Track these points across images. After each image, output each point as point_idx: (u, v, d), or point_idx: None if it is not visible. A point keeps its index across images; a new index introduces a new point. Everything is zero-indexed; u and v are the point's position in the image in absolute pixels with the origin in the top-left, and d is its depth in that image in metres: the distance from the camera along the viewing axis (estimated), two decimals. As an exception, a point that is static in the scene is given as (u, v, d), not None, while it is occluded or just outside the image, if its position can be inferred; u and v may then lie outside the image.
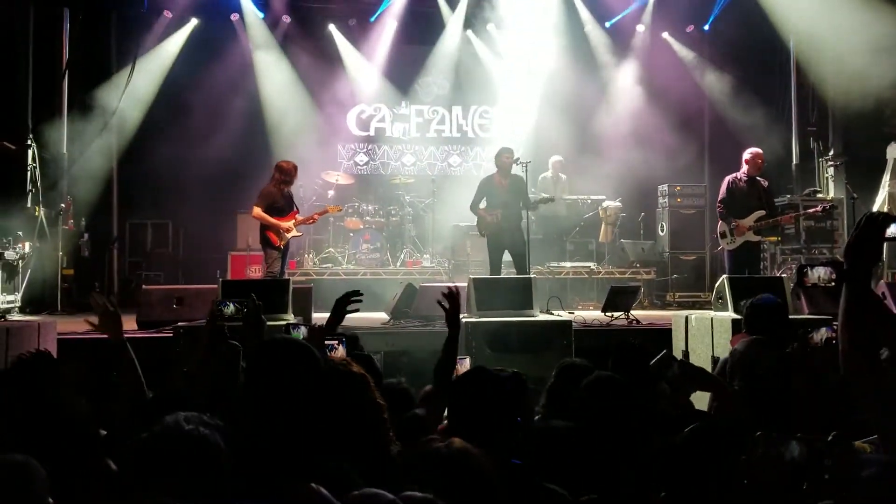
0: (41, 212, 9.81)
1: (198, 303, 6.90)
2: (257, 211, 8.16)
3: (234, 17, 12.21)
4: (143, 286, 7.78)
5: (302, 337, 4.43)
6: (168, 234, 11.85)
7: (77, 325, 7.47)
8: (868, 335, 1.87)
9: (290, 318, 5.86)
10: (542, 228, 11.23)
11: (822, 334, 3.11)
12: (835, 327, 2.61)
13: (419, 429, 3.10)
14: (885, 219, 2.00)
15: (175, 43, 11.85)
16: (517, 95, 12.98)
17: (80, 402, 2.37)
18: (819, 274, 2.27)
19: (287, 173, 8.30)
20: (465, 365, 4.04)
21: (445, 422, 3.26)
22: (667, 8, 12.82)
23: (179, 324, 5.97)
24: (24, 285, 9.24)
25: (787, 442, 1.70)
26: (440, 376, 3.29)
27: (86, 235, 10.79)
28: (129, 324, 7.15)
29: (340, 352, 3.55)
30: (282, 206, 8.29)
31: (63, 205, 10.19)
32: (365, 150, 13.13)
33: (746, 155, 8.37)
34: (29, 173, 9.77)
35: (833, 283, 2.18)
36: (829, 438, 1.65)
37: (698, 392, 3.24)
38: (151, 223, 11.80)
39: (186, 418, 2.00)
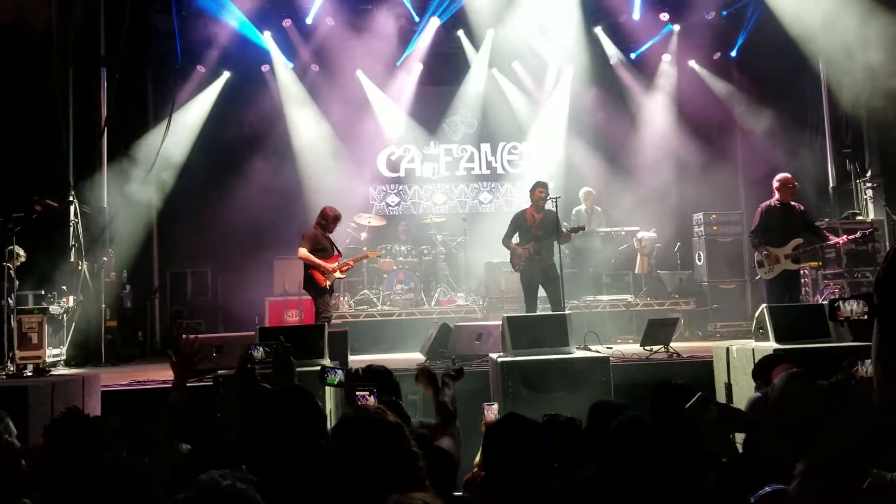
0: (84, 266, 10.04)
1: (237, 350, 6.96)
2: (303, 252, 8.20)
3: (265, 67, 12.50)
4: (184, 335, 7.88)
5: (338, 381, 4.43)
6: (207, 282, 12.03)
7: (120, 377, 7.61)
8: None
9: (327, 362, 5.87)
10: (577, 262, 11.19)
11: (867, 366, 3.01)
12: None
13: (446, 464, 3.08)
14: None
15: (209, 96, 12.19)
16: (545, 130, 13.05)
17: (117, 458, 2.41)
18: (851, 307, 2.23)
19: (327, 219, 8.41)
20: (492, 411, 4.00)
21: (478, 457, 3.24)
22: (692, 36, 12.82)
23: (219, 372, 6.02)
24: (68, 338, 9.43)
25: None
26: None
27: (127, 287, 11.01)
28: (171, 373, 7.25)
29: (371, 401, 3.54)
30: (326, 247, 8.37)
31: (105, 258, 10.42)
32: (396, 190, 13.26)
33: (776, 182, 8.17)
34: (71, 229, 10.02)
35: (866, 317, 2.13)
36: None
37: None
38: (191, 272, 12.00)
39: (222, 475, 2.01)
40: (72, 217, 10.08)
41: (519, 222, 8.76)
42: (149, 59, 11.97)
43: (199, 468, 2.50)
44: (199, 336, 8.11)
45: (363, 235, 11.42)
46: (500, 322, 6.56)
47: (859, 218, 10.97)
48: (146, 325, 11.64)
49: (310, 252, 8.20)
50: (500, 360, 5.91)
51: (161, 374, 7.53)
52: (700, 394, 2.77)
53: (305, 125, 12.56)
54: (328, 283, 8.28)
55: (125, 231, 11.16)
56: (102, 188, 11.02)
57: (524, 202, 8.93)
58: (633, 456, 2.50)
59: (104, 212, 10.96)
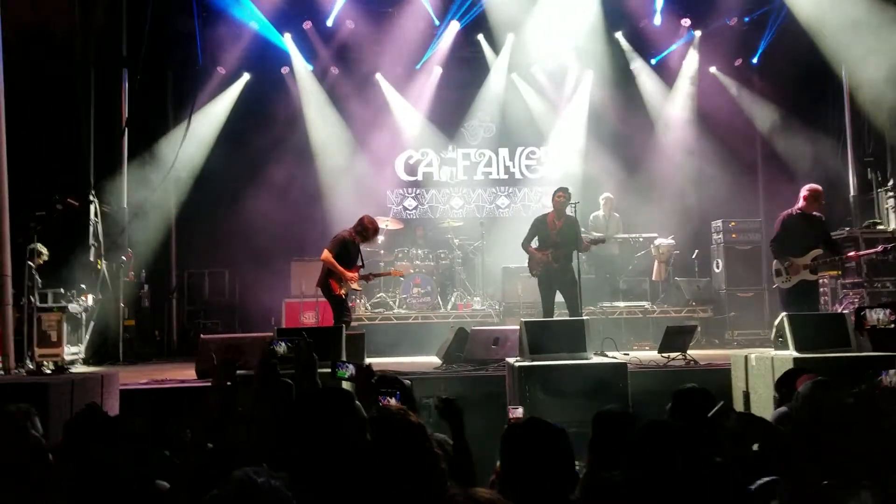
0: (103, 265, 10.11)
1: (254, 351, 6.98)
2: (327, 255, 8.07)
3: (285, 69, 12.56)
4: (202, 335, 7.91)
5: (349, 375, 4.44)
6: (225, 283, 12.07)
7: (139, 376, 7.65)
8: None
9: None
10: (595, 268, 11.15)
11: (892, 376, 2.97)
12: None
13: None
14: None
15: (228, 97, 12.25)
16: (564, 135, 13.03)
17: (138, 459, 2.42)
18: (878, 316, 2.21)
19: (365, 230, 8.25)
20: (518, 412, 3.98)
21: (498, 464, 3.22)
22: (713, 42, 12.76)
23: (237, 372, 6.03)
24: (87, 337, 9.49)
25: None
26: None
27: (146, 287, 11.07)
28: (189, 373, 7.29)
29: (394, 402, 3.54)
30: (352, 256, 8.23)
31: (124, 258, 10.49)
32: (413, 194, 13.27)
33: (804, 191, 8.00)
34: (91, 228, 10.09)
35: (893, 325, 2.12)
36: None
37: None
38: (209, 272, 12.04)
39: (256, 472, 2.01)
40: (92, 217, 10.14)
41: (539, 227, 8.74)
42: (170, 61, 12.03)
43: (220, 466, 2.51)
44: (217, 336, 8.15)
45: (380, 239, 11.41)
46: (516, 327, 6.56)
47: (880, 227, 10.85)
48: (163, 325, 11.72)
49: (334, 256, 8.10)
50: (517, 364, 5.90)
51: (179, 374, 7.58)
52: (721, 403, 2.76)
53: (324, 127, 12.60)
54: (343, 292, 8.16)
55: (144, 231, 11.23)
56: (122, 188, 11.09)
57: (542, 207, 8.94)
58: (661, 460, 2.48)
59: (124, 212, 11.03)
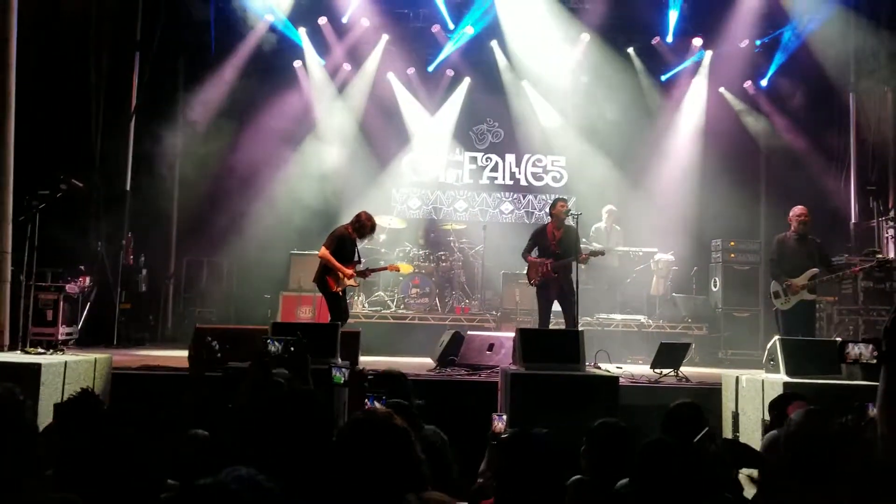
0: (102, 247, 10.13)
1: (248, 344, 7.00)
2: (324, 251, 8.10)
3: (297, 63, 12.58)
4: (197, 325, 7.92)
5: (343, 379, 4.47)
6: (223, 272, 12.07)
7: (131, 361, 7.68)
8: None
9: (338, 361, 5.91)
10: (593, 279, 11.18)
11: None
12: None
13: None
14: None
15: (239, 89, 12.21)
16: (571, 145, 13.05)
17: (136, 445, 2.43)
18: (860, 350, 2.24)
19: (363, 226, 8.25)
20: (502, 421, 4.01)
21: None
22: (723, 63, 12.79)
23: (230, 364, 6.06)
24: (82, 318, 9.52)
25: None
26: None
27: (144, 271, 11.09)
28: (181, 360, 7.31)
29: (378, 406, 3.56)
30: (348, 251, 8.26)
31: (123, 241, 10.51)
32: (418, 194, 13.29)
33: (790, 214, 8.30)
34: (93, 210, 10.12)
35: (874, 361, 2.15)
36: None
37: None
38: (207, 261, 12.05)
39: (245, 470, 2.02)
40: (95, 198, 10.18)
41: (539, 238, 8.78)
42: (182, 48, 12.05)
43: (215, 456, 2.54)
44: (212, 326, 8.17)
45: (382, 237, 11.46)
46: (512, 333, 6.59)
47: (879, 256, 10.87)
48: (158, 311, 11.73)
49: (332, 253, 8.11)
50: (510, 371, 5.93)
51: (172, 361, 7.60)
52: (706, 428, 2.80)
53: (332, 123, 12.62)
54: (339, 289, 8.17)
55: (146, 216, 11.26)
56: (126, 172, 11.12)
57: (545, 216, 8.97)
58: (666, 476, 2.52)
59: (127, 195, 11.06)
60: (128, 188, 11.13)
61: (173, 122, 11.77)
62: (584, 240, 9.76)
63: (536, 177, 13.47)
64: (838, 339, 6.33)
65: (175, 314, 12.00)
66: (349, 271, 8.16)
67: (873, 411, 2.56)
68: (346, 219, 8.68)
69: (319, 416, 2.66)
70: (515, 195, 13.44)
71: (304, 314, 10.54)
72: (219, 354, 3.82)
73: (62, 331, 8.85)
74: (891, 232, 11.35)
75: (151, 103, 11.40)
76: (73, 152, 10.13)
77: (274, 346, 4.28)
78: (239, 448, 2.72)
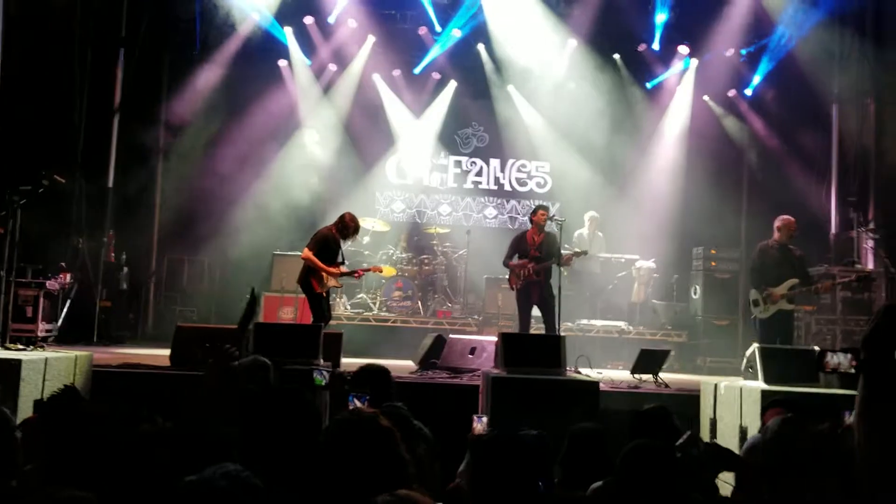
0: (84, 244, 10.05)
1: (228, 343, 6.97)
2: (307, 253, 8.06)
3: (282, 62, 12.54)
4: (178, 323, 7.87)
5: (324, 382, 4.46)
6: (204, 271, 12.02)
7: (111, 359, 7.63)
8: (885, 430, 1.87)
9: (320, 363, 5.91)
10: (575, 285, 11.22)
11: (852, 417, 3.05)
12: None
13: None
14: None
15: (223, 87, 12.17)
16: (555, 151, 13.10)
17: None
18: (839, 360, 2.27)
19: (346, 227, 8.22)
20: (482, 423, 4.02)
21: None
22: (709, 72, 12.90)
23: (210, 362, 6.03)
24: (63, 315, 9.43)
25: None
26: None
27: (125, 269, 11.01)
28: (162, 359, 7.27)
29: (359, 404, 3.56)
30: (333, 253, 8.23)
31: (105, 238, 10.44)
32: (402, 197, 13.28)
33: (778, 222, 8.29)
34: (75, 206, 10.04)
35: (853, 371, 2.18)
36: None
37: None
38: (189, 259, 11.99)
39: (233, 467, 2.02)
40: (77, 195, 10.11)
41: (519, 244, 8.81)
42: (167, 45, 11.99)
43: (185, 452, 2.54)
44: (194, 325, 8.13)
45: (366, 239, 11.45)
46: (494, 338, 6.61)
47: (858, 267, 11.02)
48: (139, 309, 11.66)
49: (315, 254, 8.10)
50: (492, 375, 5.95)
51: (152, 360, 7.55)
52: (689, 432, 2.83)
53: (317, 123, 12.59)
54: (322, 290, 8.15)
55: (128, 213, 11.19)
56: (109, 169, 11.06)
57: (529, 221, 8.99)
58: (648, 479, 2.55)
59: (109, 192, 10.98)
60: (110, 185, 11.07)
61: (157, 120, 11.71)
62: (566, 245, 9.79)
63: (521, 182, 13.52)
64: (816, 347, 6.41)
65: (156, 312, 11.93)
66: (332, 272, 8.15)
67: (849, 419, 2.60)
68: (330, 220, 8.66)
69: (306, 414, 2.66)
70: (499, 200, 13.47)
71: (287, 315, 10.49)
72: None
73: (42, 327, 8.75)
74: (870, 243, 11.49)
75: (135, 100, 11.33)
76: (56, 148, 10.05)
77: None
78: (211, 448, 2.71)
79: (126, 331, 10.92)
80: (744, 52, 12.73)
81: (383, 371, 4.18)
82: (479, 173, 13.50)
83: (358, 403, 3.55)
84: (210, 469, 1.92)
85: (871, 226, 11.53)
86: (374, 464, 2.37)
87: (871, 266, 11.25)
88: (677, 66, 12.95)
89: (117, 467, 2.29)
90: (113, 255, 10.73)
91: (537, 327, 9.20)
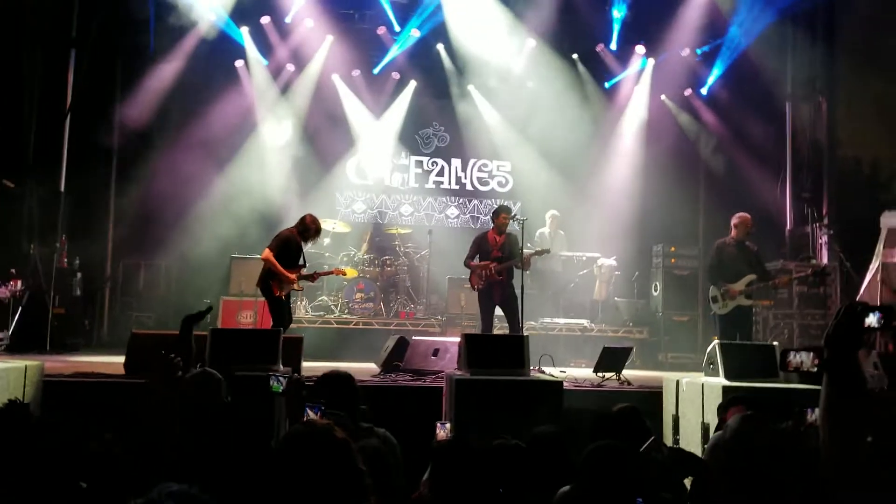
0: (35, 250, 9.80)
1: (172, 348, 6.82)
2: (268, 254, 7.91)
3: (239, 63, 12.36)
4: (133, 330, 7.69)
5: (282, 389, 4.38)
6: (161, 276, 11.79)
7: (64, 367, 7.42)
8: (848, 429, 1.86)
9: (280, 368, 5.81)
10: (538, 283, 11.24)
11: (816, 414, 3.06)
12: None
13: None
14: (863, 309, 2.01)
15: (178, 88, 11.94)
16: (516, 151, 13.12)
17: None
18: (802, 359, 2.27)
19: (307, 229, 8.12)
20: (445, 429, 3.97)
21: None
22: (665, 71, 13.04)
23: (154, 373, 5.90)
24: (13, 323, 9.18)
25: None
26: None
27: (79, 275, 10.75)
28: (117, 367, 7.10)
29: (313, 415, 3.48)
30: (293, 255, 8.10)
31: (58, 244, 10.18)
32: (363, 198, 13.19)
33: (734, 219, 8.44)
34: (26, 211, 9.78)
35: (815, 370, 2.18)
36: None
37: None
38: (145, 263, 11.75)
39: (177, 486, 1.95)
40: (27, 198, 9.85)
41: (481, 244, 8.78)
42: (121, 45, 11.74)
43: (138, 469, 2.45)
44: (150, 332, 7.96)
45: (327, 241, 11.33)
46: (457, 339, 6.57)
47: (813, 262, 11.23)
48: (94, 315, 11.40)
49: (276, 256, 7.95)
50: (455, 377, 5.90)
51: (107, 368, 7.37)
52: (653, 437, 2.81)
53: (275, 124, 12.44)
54: (282, 293, 8.02)
55: (81, 218, 10.92)
56: (61, 173, 10.80)
57: (491, 220, 8.96)
58: (612, 479, 2.52)
59: (61, 196, 10.72)
60: (62, 188, 10.80)
61: (111, 121, 11.46)
62: (528, 244, 9.79)
63: (482, 182, 13.51)
64: (775, 343, 6.49)
65: (111, 318, 11.67)
66: (293, 275, 8.02)
67: (813, 416, 2.60)
68: (289, 222, 8.55)
69: (254, 428, 2.59)
70: (461, 200, 13.45)
71: (246, 319, 10.34)
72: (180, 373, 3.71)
73: (-9, 336, 8.53)
74: (824, 238, 11.70)
75: (88, 101, 11.08)
76: (5, 151, 9.78)
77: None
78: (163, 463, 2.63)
79: (81, 338, 10.65)
80: (699, 51, 12.89)
81: (344, 377, 4.09)
82: (440, 173, 13.47)
83: (312, 414, 3.47)
84: (155, 490, 1.85)
85: (826, 221, 11.74)
86: (328, 478, 2.30)
87: (825, 261, 11.45)
88: (634, 65, 13.08)
89: (62, 489, 2.20)
90: (66, 260, 10.45)
91: (501, 327, 9.20)
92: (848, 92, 11.51)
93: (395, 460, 3.62)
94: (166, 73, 11.72)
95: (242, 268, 10.62)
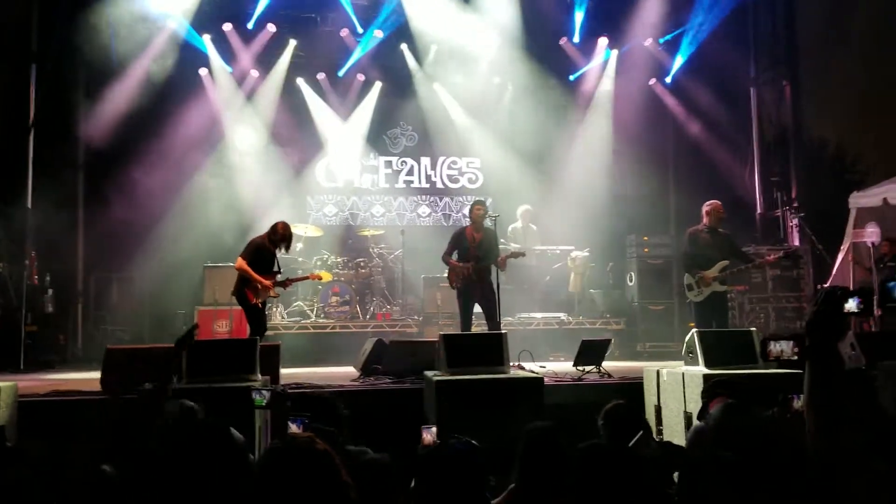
0: (4, 268, 9.63)
1: (162, 363, 6.74)
2: (241, 262, 7.87)
3: (203, 71, 12.22)
4: (108, 346, 7.57)
5: (265, 402, 4.34)
6: (134, 289, 11.62)
7: (39, 386, 7.30)
8: (832, 416, 1.87)
9: (258, 377, 5.75)
10: (513, 279, 11.23)
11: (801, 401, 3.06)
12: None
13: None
14: (843, 293, 2.01)
15: (143, 98, 11.75)
16: (485, 147, 13.12)
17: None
18: (781, 348, 2.28)
19: (278, 236, 8.06)
20: (431, 433, 3.95)
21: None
22: (629, 61, 13.12)
23: (146, 385, 5.82)
24: (-16, 344, 9.03)
25: None
26: None
27: (50, 291, 10.57)
28: (93, 383, 6.98)
29: (296, 429, 3.44)
30: (266, 262, 8.05)
31: (27, 261, 10.01)
32: (333, 201, 13.11)
33: (706, 207, 8.51)
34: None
35: (796, 358, 2.19)
36: None
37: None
38: (117, 277, 11.59)
39: None
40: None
41: (458, 240, 8.77)
42: (82, 58, 11.53)
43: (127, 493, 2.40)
44: (124, 346, 7.85)
45: (299, 246, 11.24)
46: (436, 339, 6.54)
47: (785, 245, 11.35)
48: (68, 331, 11.23)
49: (249, 264, 7.90)
50: (434, 378, 5.88)
51: (83, 385, 7.26)
52: (641, 432, 2.81)
53: (242, 131, 12.32)
54: (258, 301, 7.97)
55: (49, 233, 10.73)
56: (27, 188, 10.61)
57: (462, 217, 8.97)
58: (605, 482, 2.52)
59: (28, 212, 10.54)
60: (29, 205, 10.61)
61: (75, 135, 11.28)
62: (502, 240, 9.79)
63: (452, 179, 13.50)
64: (753, 329, 6.53)
65: (86, 333, 11.49)
66: (268, 282, 7.96)
67: (799, 403, 2.61)
68: (261, 229, 8.48)
69: (220, 448, 2.54)
70: (432, 198, 13.43)
71: (222, 329, 10.23)
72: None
73: (-38, 358, 8.36)
74: (795, 221, 11.84)
75: (52, 116, 10.89)
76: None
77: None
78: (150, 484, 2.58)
79: (55, 355, 10.49)
80: (662, 40, 12.97)
81: (327, 399, 4.05)
82: (410, 172, 13.43)
83: (294, 428, 3.43)
84: None
85: (795, 204, 11.88)
86: (312, 492, 2.26)
87: (797, 243, 11.59)
88: (598, 57, 13.13)
89: None
90: (36, 277, 10.29)
91: (478, 324, 9.19)
92: (811, 75, 11.66)
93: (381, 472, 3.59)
94: (130, 84, 11.54)
95: (216, 276, 10.50)
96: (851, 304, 2.03)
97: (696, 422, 4.05)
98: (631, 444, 2.79)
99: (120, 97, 11.42)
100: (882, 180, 11.43)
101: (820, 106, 11.45)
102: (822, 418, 1.90)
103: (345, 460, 2.44)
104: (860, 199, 11.09)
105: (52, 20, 10.71)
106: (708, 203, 8.53)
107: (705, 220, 8.45)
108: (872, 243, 10.44)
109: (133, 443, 3.52)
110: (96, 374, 6.97)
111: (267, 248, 8.05)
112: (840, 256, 10.81)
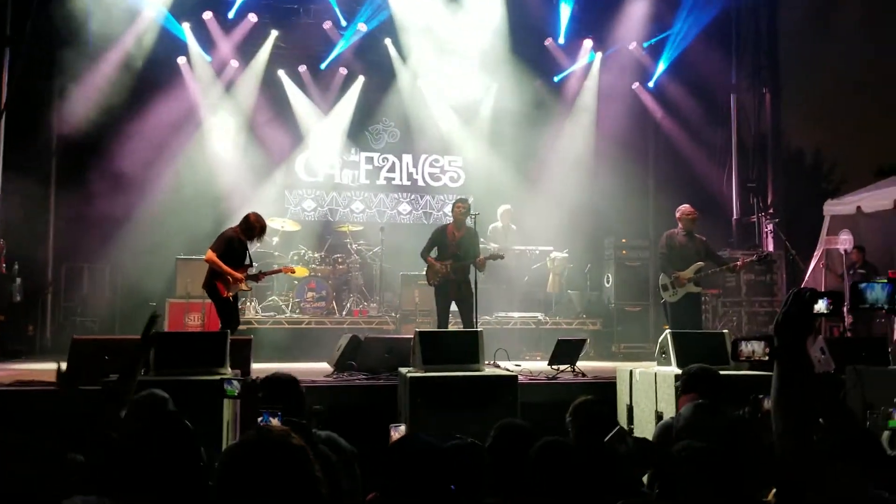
0: (-29, 256, 9.46)
1: (129, 355, 6.62)
2: (211, 255, 7.65)
3: (181, 59, 12.07)
4: (74, 336, 7.43)
5: (237, 393, 4.27)
6: (105, 279, 11.46)
7: (4, 376, 7.16)
8: (800, 417, 1.85)
9: (228, 371, 5.66)
10: (491, 278, 11.20)
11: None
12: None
13: None
14: (812, 295, 2.00)
15: (119, 85, 11.58)
16: (468, 145, 13.09)
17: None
18: (753, 348, 2.26)
19: (250, 227, 7.85)
20: (399, 432, 3.89)
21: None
22: (613, 64, 13.15)
23: (111, 377, 5.70)
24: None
25: None
26: None
27: (18, 280, 10.39)
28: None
29: (275, 423, 3.37)
30: (238, 254, 7.84)
31: (-5, 248, 9.84)
32: (312, 196, 13.00)
33: (677, 213, 8.69)
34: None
35: (767, 358, 2.17)
36: None
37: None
38: (88, 266, 11.41)
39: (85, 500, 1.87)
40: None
41: (439, 238, 8.72)
42: (58, 43, 11.33)
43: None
44: (91, 337, 7.72)
45: (275, 240, 11.13)
46: (411, 336, 6.48)
47: (760, 250, 11.42)
48: (37, 321, 11.04)
49: (219, 256, 7.72)
50: (408, 374, 5.83)
51: (48, 376, 7.11)
52: (618, 427, 2.78)
53: (220, 123, 12.18)
54: (230, 294, 7.80)
55: (19, 221, 10.55)
56: (-5, 174, 10.43)
57: (443, 216, 8.93)
58: (557, 483, 2.47)
59: (-3, 199, 10.37)
60: (-1, 191, 10.44)
61: (49, 121, 11.10)
62: (482, 240, 9.75)
63: (434, 177, 13.44)
64: (725, 331, 6.56)
65: (54, 324, 11.32)
66: (239, 275, 7.82)
67: (768, 404, 2.60)
68: (236, 222, 8.38)
69: (188, 437, 2.48)
70: (413, 196, 13.36)
71: (193, 322, 10.09)
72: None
73: (-74, 347, 8.19)
74: (770, 227, 11.92)
75: (24, 100, 10.68)
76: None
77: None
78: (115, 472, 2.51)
79: (23, 345, 10.32)
80: (646, 44, 13.02)
81: (288, 381, 3.97)
82: (391, 169, 13.36)
83: (272, 419, 3.36)
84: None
85: (771, 210, 11.96)
86: (283, 487, 2.20)
87: (771, 248, 11.67)
88: (583, 59, 13.14)
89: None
90: (4, 265, 10.10)
91: (455, 322, 9.15)
92: (791, 83, 11.75)
93: (348, 468, 3.53)
94: (106, 70, 11.36)
95: (188, 269, 10.32)
96: (821, 305, 2.02)
97: (662, 421, 4.03)
98: (606, 440, 2.75)
99: (95, 84, 11.23)
100: (857, 189, 11.54)
101: (799, 114, 11.51)
102: (790, 419, 1.87)
103: (316, 455, 2.38)
104: (834, 207, 11.17)
105: (26, 3, 10.51)
106: (679, 209, 8.70)
107: (681, 224, 8.56)
108: (845, 250, 10.56)
109: (96, 434, 3.43)
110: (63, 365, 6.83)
111: (239, 241, 7.88)
112: (813, 262, 10.89)
